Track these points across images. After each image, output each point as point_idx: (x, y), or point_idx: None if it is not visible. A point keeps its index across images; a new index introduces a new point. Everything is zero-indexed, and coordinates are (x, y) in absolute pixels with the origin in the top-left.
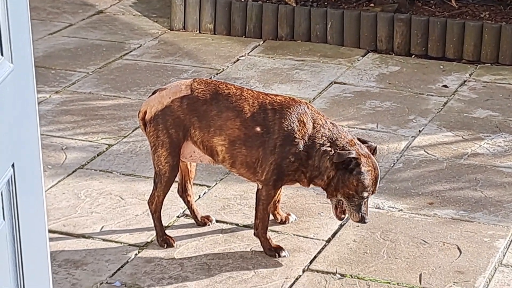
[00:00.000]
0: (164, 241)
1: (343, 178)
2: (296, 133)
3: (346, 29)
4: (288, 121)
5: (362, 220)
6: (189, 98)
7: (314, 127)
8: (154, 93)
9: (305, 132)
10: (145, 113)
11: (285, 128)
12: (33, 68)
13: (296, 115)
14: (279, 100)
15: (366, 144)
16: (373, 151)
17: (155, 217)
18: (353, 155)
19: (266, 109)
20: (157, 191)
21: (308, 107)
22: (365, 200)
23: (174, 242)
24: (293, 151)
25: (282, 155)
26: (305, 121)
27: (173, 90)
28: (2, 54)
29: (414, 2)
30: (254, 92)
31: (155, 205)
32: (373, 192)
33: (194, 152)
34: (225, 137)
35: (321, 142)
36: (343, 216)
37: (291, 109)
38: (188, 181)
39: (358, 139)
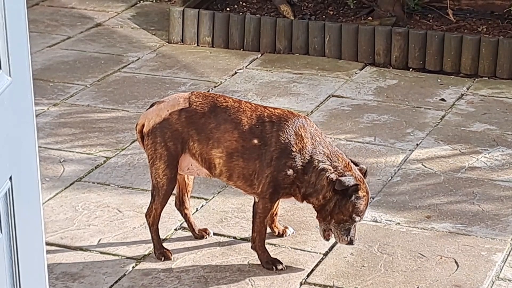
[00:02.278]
0: (162, 254)
1: (340, 204)
2: (293, 146)
3: (344, 42)
4: (286, 134)
5: (350, 243)
6: (187, 111)
7: (312, 143)
8: (152, 106)
9: (302, 146)
10: (143, 126)
11: (282, 141)
12: (31, 81)
13: (294, 128)
14: (278, 113)
15: (358, 167)
16: (364, 173)
17: (153, 229)
18: (353, 182)
19: (264, 121)
20: (154, 204)
21: (306, 121)
22: (354, 225)
23: (171, 255)
24: (289, 164)
25: (279, 168)
26: (302, 135)
27: (171, 103)
28: (0, 68)
29: (412, 16)
30: (253, 104)
31: (153, 218)
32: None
33: (191, 165)
34: (223, 150)
35: (319, 158)
36: (330, 237)
37: (289, 122)
38: (186, 194)
39: (350, 160)
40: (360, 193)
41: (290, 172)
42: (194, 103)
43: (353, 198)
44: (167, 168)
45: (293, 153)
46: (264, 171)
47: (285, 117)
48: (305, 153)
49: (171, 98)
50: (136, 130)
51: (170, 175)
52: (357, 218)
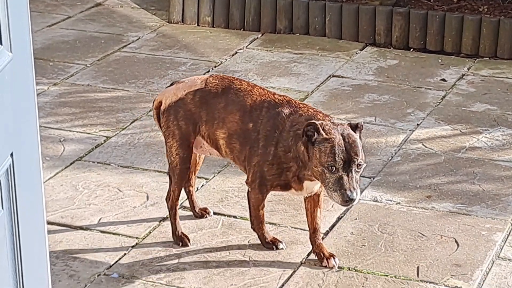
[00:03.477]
0: (179, 239)
1: (309, 155)
2: (275, 132)
3: (345, 22)
4: (272, 120)
5: (344, 197)
6: (202, 91)
7: (292, 119)
8: (171, 84)
9: (283, 128)
10: (160, 103)
11: (268, 128)
12: (32, 57)
13: (282, 115)
14: (277, 100)
15: (349, 123)
16: (355, 127)
17: (172, 213)
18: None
19: (263, 107)
20: (172, 186)
21: (298, 106)
22: (341, 174)
23: (189, 241)
24: (273, 152)
25: (264, 157)
26: (284, 117)
27: (189, 84)
28: (1, 43)
29: None
30: (264, 90)
31: (172, 201)
32: (347, 164)
33: (203, 144)
34: (226, 130)
35: (294, 129)
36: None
37: (279, 108)
38: (193, 172)
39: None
40: (325, 135)
41: (273, 160)
42: (210, 84)
43: (317, 143)
44: (180, 147)
45: (274, 139)
46: (252, 159)
47: (279, 103)
48: (285, 132)
49: (190, 79)
50: (152, 106)
51: (183, 155)
52: (332, 167)
